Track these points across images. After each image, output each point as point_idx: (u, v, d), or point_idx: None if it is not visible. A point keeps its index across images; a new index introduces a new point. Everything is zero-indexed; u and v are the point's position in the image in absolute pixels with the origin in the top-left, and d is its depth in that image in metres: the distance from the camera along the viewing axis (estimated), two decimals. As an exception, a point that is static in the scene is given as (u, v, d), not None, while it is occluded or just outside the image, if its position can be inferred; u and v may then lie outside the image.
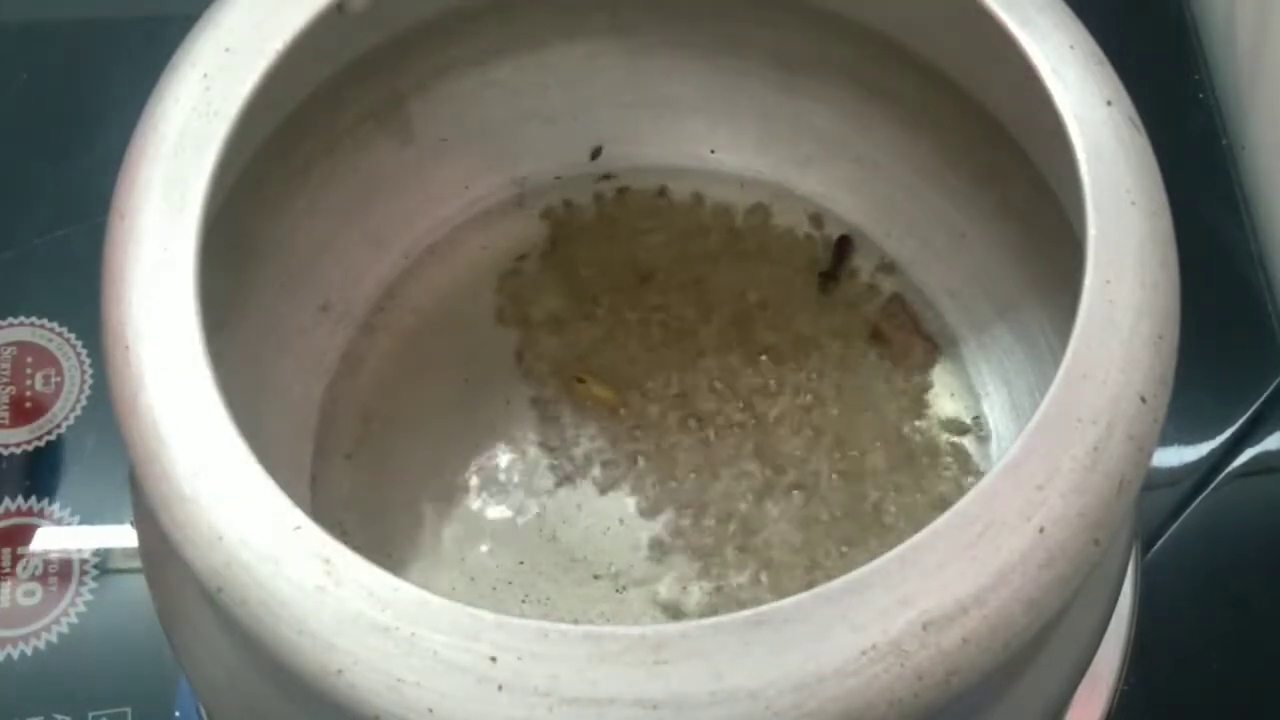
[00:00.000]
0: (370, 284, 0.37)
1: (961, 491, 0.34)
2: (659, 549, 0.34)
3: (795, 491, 0.35)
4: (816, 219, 0.39)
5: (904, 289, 0.37)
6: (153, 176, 0.27)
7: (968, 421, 0.36)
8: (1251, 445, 0.40)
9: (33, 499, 0.38)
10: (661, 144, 0.39)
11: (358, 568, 0.22)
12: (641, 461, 0.35)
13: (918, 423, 0.36)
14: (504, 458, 0.36)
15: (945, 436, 0.36)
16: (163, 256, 0.26)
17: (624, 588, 0.34)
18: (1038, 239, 0.33)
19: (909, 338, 0.37)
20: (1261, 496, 0.40)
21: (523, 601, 0.33)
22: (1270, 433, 0.40)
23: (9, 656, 0.36)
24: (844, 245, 0.38)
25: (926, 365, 0.37)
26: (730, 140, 0.39)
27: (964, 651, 0.22)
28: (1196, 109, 0.46)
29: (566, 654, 0.22)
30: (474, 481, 0.35)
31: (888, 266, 0.38)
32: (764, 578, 0.34)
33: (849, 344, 0.37)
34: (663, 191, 0.39)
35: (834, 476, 0.35)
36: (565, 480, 0.35)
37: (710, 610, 0.33)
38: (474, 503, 0.35)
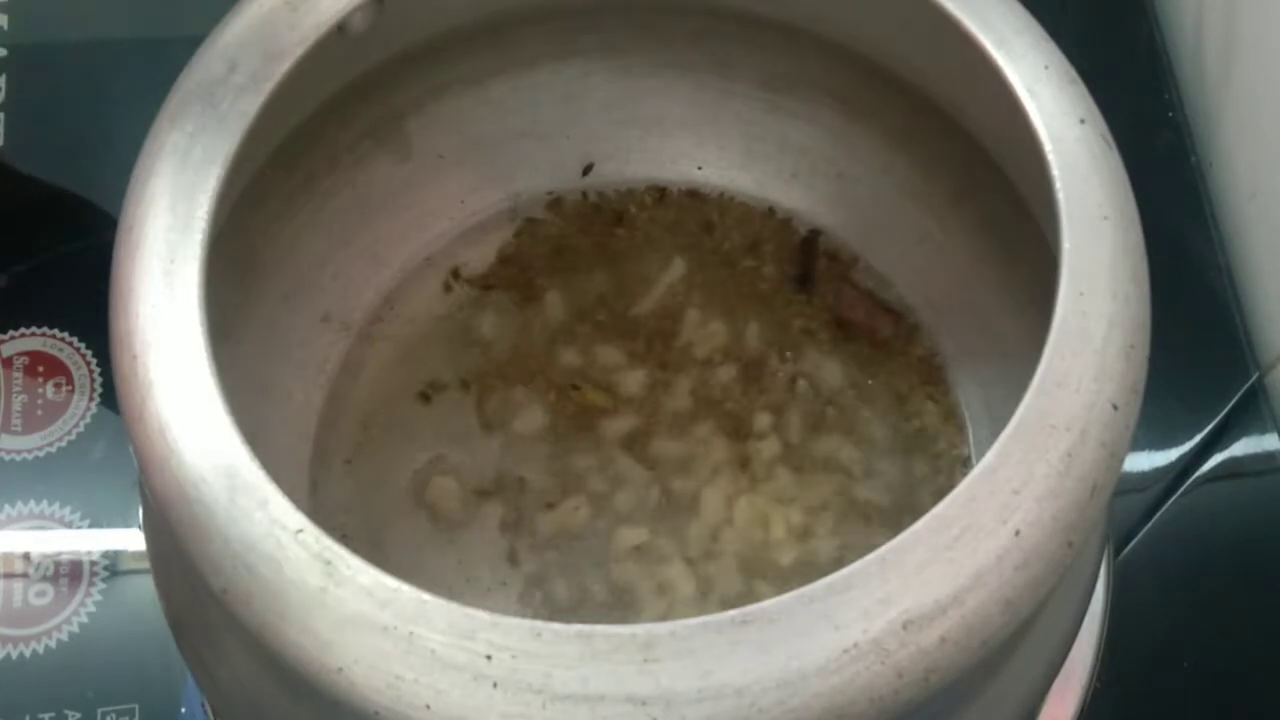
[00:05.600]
0: (369, 295, 0.37)
1: (940, 495, 0.35)
2: (653, 550, 0.34)
3: (777, 498, 0.35)
4: (800, 233, 0.39)
5: (888, 297, 0.38)
6: (160, 192, 0.27)
7: (945, 427, 0.36)
8: (1219, 451, 0.40)
9: (44, 503, 0.39)
10: (650, 160, 0.39)
11: (357, 569, 0.23)
12: (633, 466, 0.36)
13: (899, 425, 0.36)
14: (500, 463, 0.36)
15: (924, 441, 0.36)
16: (169, 269, 0.26)
17: (619, 588, 0.34)
18: (1014, 252, 0.34)
19: (872, 315, 0.37)
20: (1229, 500, 0.40)
21: (516, 602, 0.34)
22: (1237, 439, 0.40)
23: (21, 654, 0.36)
24: (809, 244, 0.38)
25: (898, 335, 0.37)
26: (716, 157, 0.39)
27: (942, 650, 0.22)
28: (1166, 127, 0.46)
29: (559, 652, 0.22)
30: (471, 486, 0.35)
31: (851, 262, 0.38)
32: (754, 575, 0.34)
33: (829, 347, 0.37)
34: (650, 206, 0.39)
35: (821, 483, 0.35)
36: (560, 484, 0.35)
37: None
38: (470, 506, 0.35)
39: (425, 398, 0.37)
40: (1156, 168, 0.45)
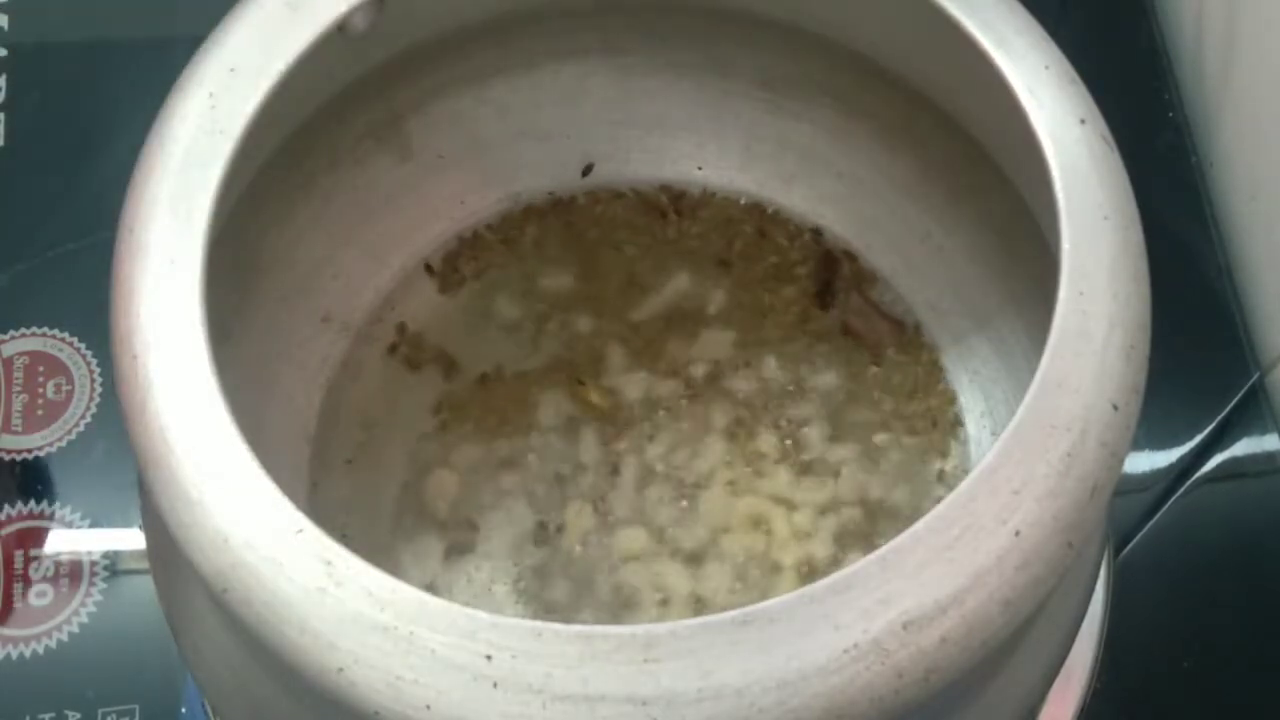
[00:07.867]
0: (369, 295, 0.37)
1: (941, 496, 0.35)
2: (653, 551, 0.35)
3: (779, 500, 0.35)
4: (800, 234, 0.39)
5: (889, 300, 0.38)
6: (160, 192, 0.27)
7: (947, 427, 0.36)
8: (1220, 451, 0.41)
9: (45, 503, 0.39)
10: (650, 160, 0.39)
11: (358, 569, 0.23)
12: (634, 466, 0.36)
13: (898, 425, 0.36)
14: (501, 462, 0.36)
15: (923, 441, 0.36)
16: (169, 269, 0.26)
17: (619, 588, 0.34)
18: (1014, 253, 0.34)
19: (877, 324, 0.37)
20: (1229, 500, 0.40)
21: (516, 602, 0.34)
22: (1238, 439, 0.41)
23: (22, 655, 0.36)
24: (830, 260, 0.38)
25: (899, 344, 0.37)
26: (716, 157, 0.39)
27: (942, 650, 0.22)
28: (1166, 127, 0.46)
29: (559, 652, 0.22)
30: (471, 485, 0.35)
31: (870, 278, 0.38)
32: (754, 575, 0.34)
33: (830, 349, 0.37)
34: (650, 206, 0.39)
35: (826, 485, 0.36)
36: (561, 485, 0.35)
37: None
38: (470, 505, 0.35)
39: (424, 397, 0.37)
40: (1156, 167, 0.45)
